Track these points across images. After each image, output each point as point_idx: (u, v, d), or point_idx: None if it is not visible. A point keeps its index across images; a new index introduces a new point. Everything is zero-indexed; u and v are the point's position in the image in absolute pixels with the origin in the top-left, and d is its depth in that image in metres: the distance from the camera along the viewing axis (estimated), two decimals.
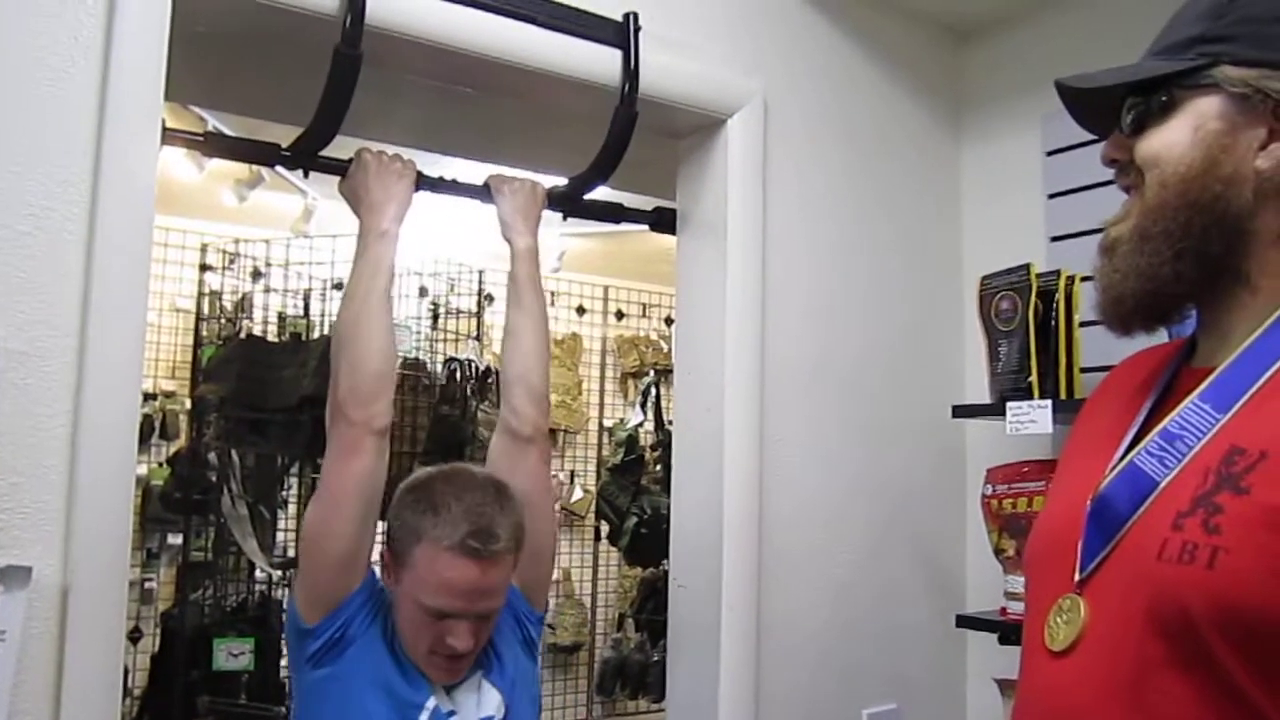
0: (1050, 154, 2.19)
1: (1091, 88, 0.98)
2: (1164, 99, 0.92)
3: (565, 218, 2.07)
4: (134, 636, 3.98)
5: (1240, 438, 0.83)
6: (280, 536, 3.56)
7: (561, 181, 2.03)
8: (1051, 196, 2.18)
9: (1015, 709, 0.99)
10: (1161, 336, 1.01)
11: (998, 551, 2.00)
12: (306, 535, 1.62)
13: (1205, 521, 0.80)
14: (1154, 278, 0.91)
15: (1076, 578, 0.89)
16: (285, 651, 3.41)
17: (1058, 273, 1.92)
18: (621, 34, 1.86)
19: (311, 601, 1.59)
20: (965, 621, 2.10)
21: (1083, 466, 0.97)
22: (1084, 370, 1.91)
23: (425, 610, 1.53)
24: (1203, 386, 0.88)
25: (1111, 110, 0.97)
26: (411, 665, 1.59)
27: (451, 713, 1.58)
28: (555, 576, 5.02)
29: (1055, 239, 2.15)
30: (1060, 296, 1.91)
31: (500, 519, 1.56)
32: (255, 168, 3.93)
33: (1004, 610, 2.00)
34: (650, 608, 4.41)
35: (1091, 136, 1.05)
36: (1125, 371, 1.08)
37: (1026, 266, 1.95)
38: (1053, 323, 1.91)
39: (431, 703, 1.57)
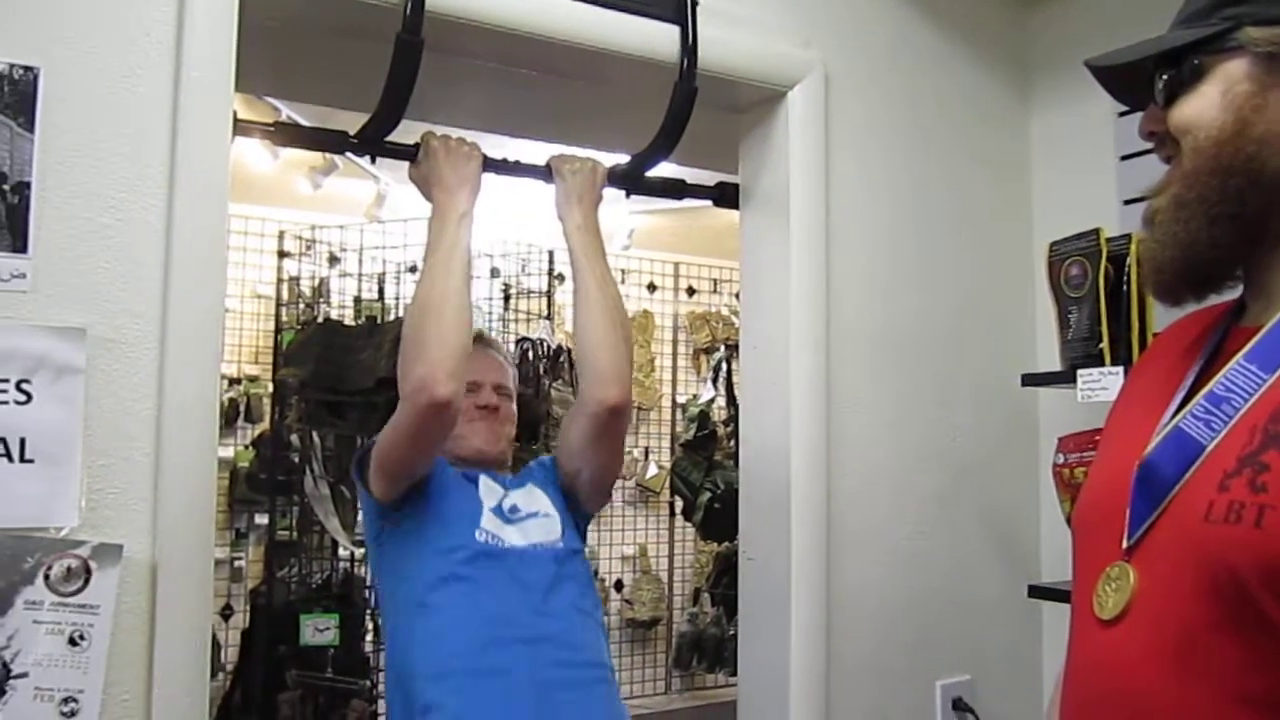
0: (1122, 115, 2.13)
1: (1121, 64, 0.98)
2: (1194, 65, 0.92)
3: (628, 195, 2.08)
4: (225, 613, 4.13)
5: None
6: (361, 515, 3.65)
7: (624, 159, 2.05)
8: (1124, 158, 2.13)
9: (1065, 679, 0.98)
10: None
11: (1070, 520, 1.97)
12: (381, 450, 1.78)
13: (1252, 481, 0.79)
14: (1191, 244, 0.91)
15: (1125, 544, 0.88)
16: (369, 626, 3.52)
17: (1128, 237, 1.88)
18: (679, 9, 1.86)
19: (383, 484, 1.80)
20: (1038, 592, 2.08)
21: (1129, 431, 0.96)
22: (1156, 335, 1.87)
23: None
24: (1248, 347, 0.87)
25: (1145, 83, 0.97)
26: (467, 479, 1.88)
27: (515, 508, 1.87)
28: (632, 552, 5.08)
29: (1127, 202, 2.10)
30: (1131, 261, 1.86)
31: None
32: (328, 156, 4.01)
33: None
34: (725, 582, 4.42)
35: None
36: (1172, 334, 1.07)
37: (1096, 231, 1.91)
38: (1124, 288, 1.87)
39: (492, 501, 1.86)
